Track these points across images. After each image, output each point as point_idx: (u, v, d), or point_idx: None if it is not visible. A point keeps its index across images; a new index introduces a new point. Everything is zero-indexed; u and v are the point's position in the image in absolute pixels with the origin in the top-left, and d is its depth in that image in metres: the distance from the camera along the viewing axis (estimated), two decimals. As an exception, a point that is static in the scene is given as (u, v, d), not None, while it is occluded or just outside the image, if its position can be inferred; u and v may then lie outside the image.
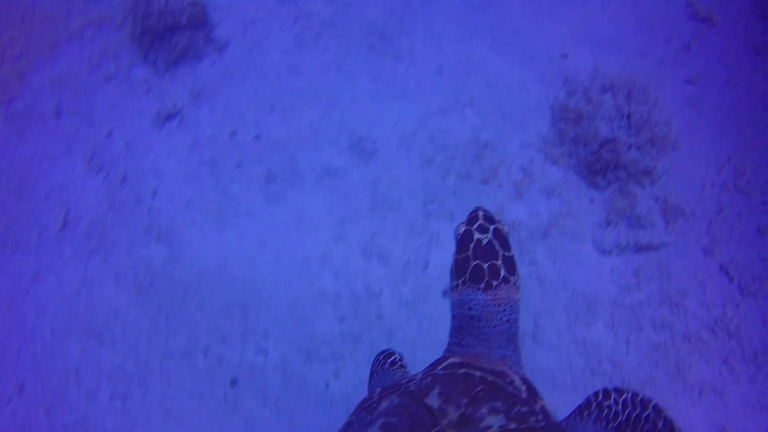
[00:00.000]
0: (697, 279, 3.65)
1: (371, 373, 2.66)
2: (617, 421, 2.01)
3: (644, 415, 2.01)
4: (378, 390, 1.94)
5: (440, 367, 1.96)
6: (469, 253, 2.03)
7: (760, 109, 4.12)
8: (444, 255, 4.00)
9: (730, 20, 4.53)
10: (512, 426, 1.62)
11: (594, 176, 4.04)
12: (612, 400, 2.05)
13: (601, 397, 2.07)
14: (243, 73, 5.32)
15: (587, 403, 2.08)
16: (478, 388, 1.76)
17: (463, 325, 2.06)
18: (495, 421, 1.62)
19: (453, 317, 2.13)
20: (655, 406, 2.03)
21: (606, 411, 2.04)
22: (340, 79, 4.97)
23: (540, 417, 1.71)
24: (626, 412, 2.02)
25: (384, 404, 1.80)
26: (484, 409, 1.66)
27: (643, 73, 4.35)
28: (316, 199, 4.46)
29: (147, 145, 5.14)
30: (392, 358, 2.52)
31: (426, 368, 2.02)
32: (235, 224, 4.54)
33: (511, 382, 1.86)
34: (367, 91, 4.84)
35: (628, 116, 4.07)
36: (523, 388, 1.85)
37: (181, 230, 4.59)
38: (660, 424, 2.00)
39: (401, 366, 2.48)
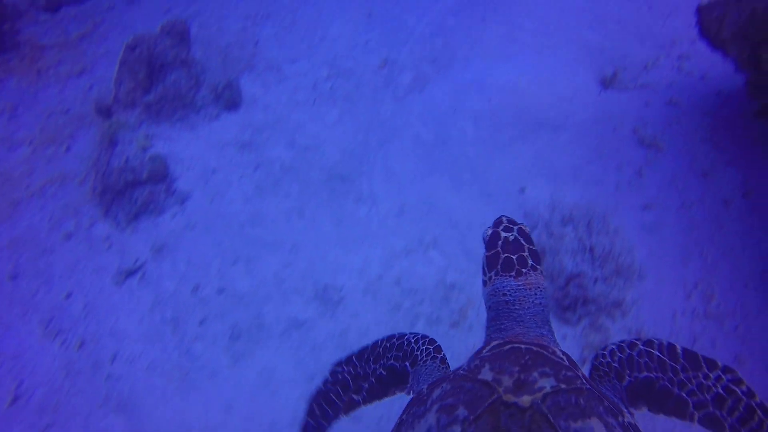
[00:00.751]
0: (682, 417, 3.50)
1: (396, 353, 2.47)
2: (613, 371, 2.12)
3: (635, 352, 2.13)
4: (425, 386, 2.03)
5: (485, 351, 2.06)
6: (499, 248, 2.31)
7: (716, 231, 4.18)
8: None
9: (675, 145, 4.71)
10: (563, 386, 1.76)
11: (564, 312, 3.97)
12: (601, 357, 2.18)
13: (593, 361, 2.20)
14: (205, 225, 5.29)
15: (589, 374, 2.16)
16: (526, 357, 1.90)
17: (500, 311, 2.24)
18: (547, 383, 1.76)
19: (488, 309, 2.32)
20: (646, 342, 2.15)
21: (600, 369, 2.15)
22: (302, 226, 4.97)
23: (583, 380, 1.86)
24: (616, 358, 2.14)
25: (436, 393, 1.88)
26: (536, 374, 1.80)
27: (600, 202, 4.43)
28: (284, 356, 4.29)
29: (107, 305, 4.97)
30: (442, 354, 2.44)
31: (470, 357, 2.09)
32: (199, 387, 4.31)
33: (554, 352, 1.98)
34: (331, 235, 4.83)
35: (591, 249, 4.08)
36: (564, 358, 1.97)
37: (142, 398, 4.33)
38: (656, 352, 2.11)
39: (448, 365, 2.43)
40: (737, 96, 4.88)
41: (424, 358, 2.43)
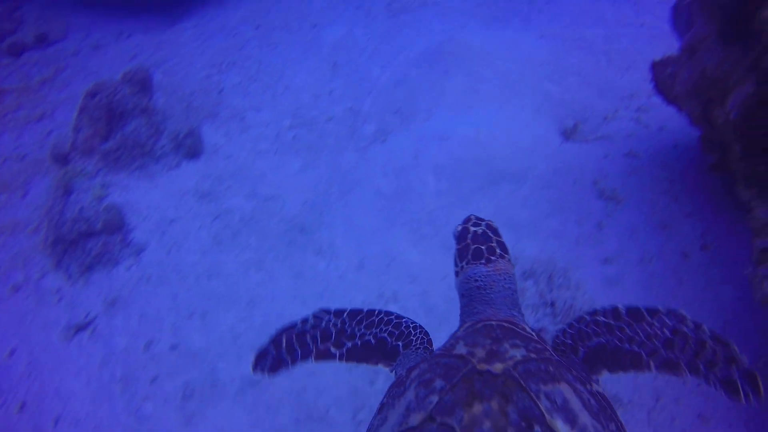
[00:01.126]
0: (646, 480, 3.40)
1: (393, 330, 2.54)
2: (568, 348, 2.22)
3: (583, 325, 2.25)
4: (405, 370, 2.09)
5: (459, 331, 2.20)
6: (468, 241, 2.47)
7: (677, 284, 4.17)
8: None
9: (635, 197, 4.74)
10: (533, 356, 1.87)
11: (526, 369, 3.88)
12: (555, 338, 2.29)
13: (550, 345, 2.28)
14: (161, 277, 5.12)
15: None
16: (498, 331, 2.03)
17: (472, 296, 2.37)
18: (517, 352, 1.88)
19: (462, 296, 2.45)
20: (591, 312, 2.27)
21: (558, 349, 2.25)
22: (260, 279, 4.83)
23: (552, 353, 2.00)
24: (568, 335, 2.26)
25: (414, 373, 1.96)
26: (507, 345, 1.92)
27: (561, 256, 4.40)
28: (238, 415, 4.09)
29: (53, 363, 4.72)
30: (432, 348, 2.50)
31: (446, 340, 2.21)
32: (148, 451, 4.08)
33: (523, 329, 2.13)
34: (289, 289, 4.69)
35: (552, 303, 4.02)
36: (534, 333, 2.12)
37: (85, 464, 4.08)
38: (601, 318, 2.23)
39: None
40: (694, 148, 4.96)
41: (417, 345, 2.48)
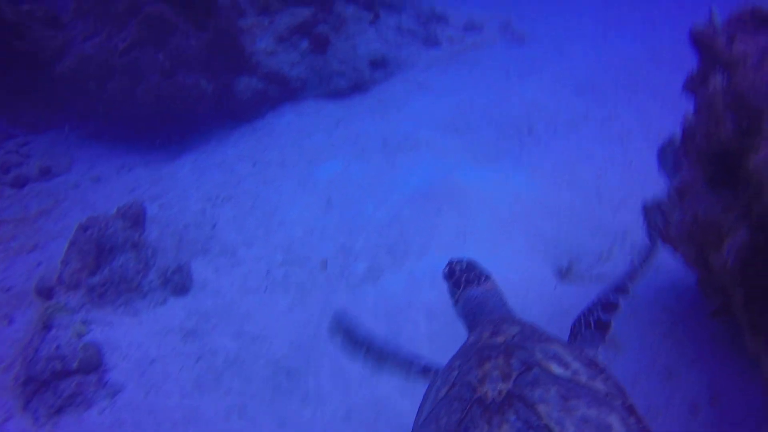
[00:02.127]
0: None
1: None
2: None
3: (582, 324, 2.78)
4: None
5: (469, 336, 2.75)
6: (458, 274, 3.05)
7: (687, 441, 3.87)
8: None
9: (635, 343, 4.54)
10: (527, 331, 2.39)
11: None
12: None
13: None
14: (135, 422, 4.78)
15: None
16: (498, 321, 2.57)
17: (473, 312, 2.91)
18: (514, 330, 2.40)
19: (464, 317, 2.99)
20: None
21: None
22: (241, 427, 4.50)
23: (544, 330, 2.50)
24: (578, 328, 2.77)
25: (441, 370, 2.59)
26: (505, 326, 2.45)
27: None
28: None
29: None
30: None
31: None
32: None
33: (519, 320, 2.69)
34: (270, 440, 4.36)
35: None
36: (527, 324, 2.57)
37: None
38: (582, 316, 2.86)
39: None
40: (693, 289, 4.84)
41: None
